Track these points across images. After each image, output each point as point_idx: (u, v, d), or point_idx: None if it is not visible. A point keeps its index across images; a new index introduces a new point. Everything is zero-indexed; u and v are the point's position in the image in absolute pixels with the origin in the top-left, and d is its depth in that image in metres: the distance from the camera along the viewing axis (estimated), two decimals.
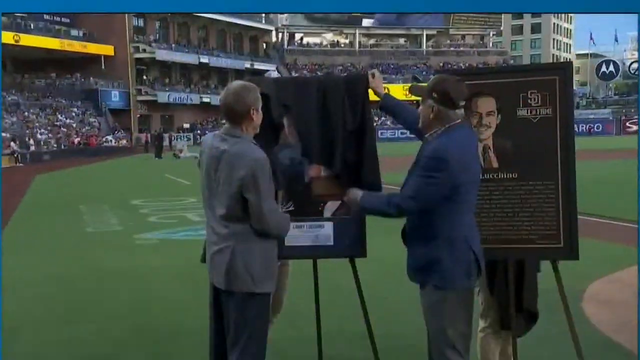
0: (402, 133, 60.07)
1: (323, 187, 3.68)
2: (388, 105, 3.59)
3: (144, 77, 59.69)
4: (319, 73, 65.52)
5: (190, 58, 61.82)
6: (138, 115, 58.80)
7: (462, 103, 2.93)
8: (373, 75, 3.63)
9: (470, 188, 2.94)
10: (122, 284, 7.06)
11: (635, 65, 79.72)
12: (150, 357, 4.66)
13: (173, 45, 61.36)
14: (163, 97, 58.49)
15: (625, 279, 6.67)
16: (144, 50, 58.29)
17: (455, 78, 2.98)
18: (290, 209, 3.64)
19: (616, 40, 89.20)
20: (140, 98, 58.28)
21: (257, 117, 3.09)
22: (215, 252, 3.03)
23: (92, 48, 56.38)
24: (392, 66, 73.30)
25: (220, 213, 3.00)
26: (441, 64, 70.30)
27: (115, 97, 56.27)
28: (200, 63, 62.58)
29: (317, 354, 3.89)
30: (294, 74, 63.34)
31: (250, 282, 2.98)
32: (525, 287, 3.54)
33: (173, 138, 51.10)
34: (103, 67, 56.43)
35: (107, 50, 57.01)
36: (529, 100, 3.50)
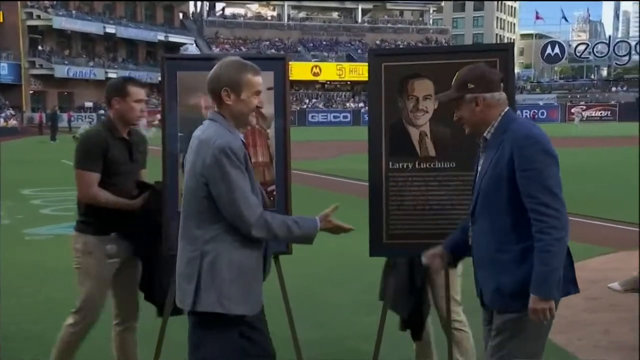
0: (334, 117, 60.68)
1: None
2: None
3: (39, 48, 57.89)
4: (242, 49, 65.09)
5: (93, 27, 60.23)
6: (31, 92, 57.19)
7: (502, 83, 2.84)
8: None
9: None
10: (9, 285, 6.80)
11: (581, 48, 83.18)
12: None
13: (74, 12, 59.61)
14: (61, 71, 56.92)
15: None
16: (39, 17, 56.59)
17: (479, 62, 2.96)
18: None
19: (565, 19, 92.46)
20: (33, 72, 56.67)
21: (236, 103, 2.79)
22: (185, 262, 2.83)
23: None
24: (324, 42, 73.55)
25: (185, 214, 2.83)
26: (378, 41, 71.32)
27: (3, 70, 54.48)
28: (105, 33, 61.06)
29: None
30: (214, 49, 62.76)
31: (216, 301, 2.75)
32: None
33: (72, 118, 49.85)
34: None
35: None
36: None
